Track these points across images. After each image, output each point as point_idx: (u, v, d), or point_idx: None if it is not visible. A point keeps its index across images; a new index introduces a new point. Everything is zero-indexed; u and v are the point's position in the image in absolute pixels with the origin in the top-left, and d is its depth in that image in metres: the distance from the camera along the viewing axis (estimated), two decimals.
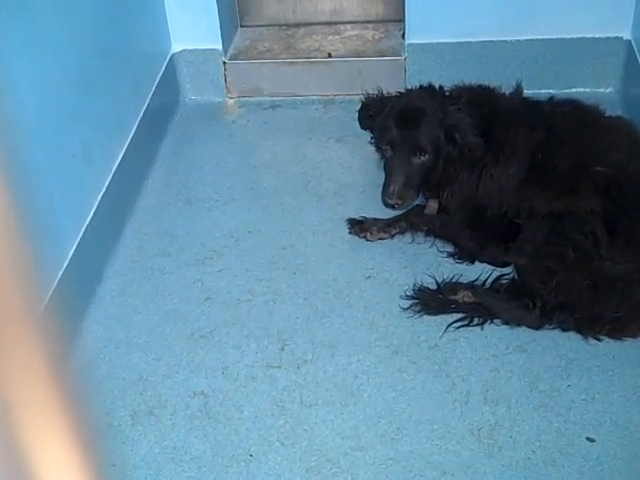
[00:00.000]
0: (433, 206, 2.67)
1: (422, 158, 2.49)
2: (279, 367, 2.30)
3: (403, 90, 2.73)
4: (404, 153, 2.50)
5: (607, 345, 2.26)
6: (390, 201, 2.51)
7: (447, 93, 2.61)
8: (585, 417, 2.09)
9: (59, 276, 2.36)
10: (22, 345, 0.55)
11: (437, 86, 2.65)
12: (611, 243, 2.16)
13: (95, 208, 2.63)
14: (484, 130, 2.48)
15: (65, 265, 2.40)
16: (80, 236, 2.51)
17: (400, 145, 2.50)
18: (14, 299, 0.53)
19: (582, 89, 3.25)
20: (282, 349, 2.35)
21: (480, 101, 2.56)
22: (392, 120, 2.52)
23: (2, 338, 0.53)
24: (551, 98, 2.55)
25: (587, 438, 2.04)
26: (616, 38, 3.21)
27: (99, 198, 2.67)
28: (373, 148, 2.69)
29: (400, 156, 2.50)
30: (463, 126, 2.46)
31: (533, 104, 2.54)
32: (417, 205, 2.70)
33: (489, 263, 2.54)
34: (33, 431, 0.56)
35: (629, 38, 3.19)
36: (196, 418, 2.17)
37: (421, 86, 2.66)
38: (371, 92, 2.70)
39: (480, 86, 2.62)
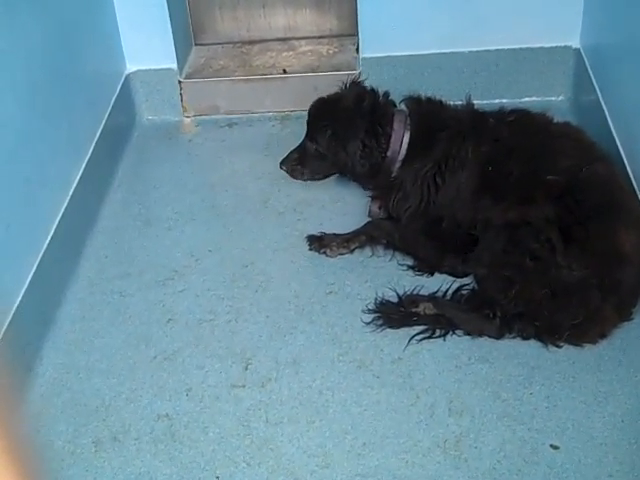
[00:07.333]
0: (375, 210, 2.75)
1: (314, 146, 2.71)
2: (243, 386, 2.29)
3: None
4: (306, 135, 2.77)
5: (567, 352, 2.29)
6: (281, 167, 2.82)
7: (381, 101, 2.66)
8: (548, 424, 2.11)
9: (17, 302, 2.32)
10: None
11: (381, 93, 2.68)
12: (567, 250, 2.18)
13: (53, 232, 2.60)
14: (425, 140, 2.52)
15: (23, 291, 2.37)
16: (38, 261, 2.48)
17: (307, 127, 2.77)
18: None
19: (534, 98, 3.31)
20: (246, 368, 2.34)
21: (424, 112, 2.59)
22: (312, 105, 2.78)
23: None
24: (500, 109, 2.58)
25: (551, 445, 2.06)
26: (565, 47, 3.27)
27: (57, 221, 2.64)
28: None
29: (305, 136, 2.77)
30: (345, 140, 2.59)
31: (480, 116, 2.56)
32: (375, 219, 2.72)
33: (449, 274, 2.55)
34: None
35: (578, 46, 3.26)
36: (161, 442, 2.15)
37: (370, 89, 2.70)
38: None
39: (429, 98, 2.64)
